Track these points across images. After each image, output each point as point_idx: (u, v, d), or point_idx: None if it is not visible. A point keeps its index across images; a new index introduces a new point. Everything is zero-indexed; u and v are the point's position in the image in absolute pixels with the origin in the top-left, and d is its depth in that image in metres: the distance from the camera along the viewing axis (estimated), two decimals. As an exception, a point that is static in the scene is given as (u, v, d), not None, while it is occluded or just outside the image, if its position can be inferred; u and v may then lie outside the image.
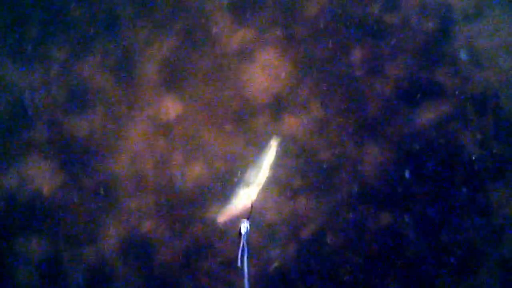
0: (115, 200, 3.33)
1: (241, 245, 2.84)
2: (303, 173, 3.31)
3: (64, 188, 3.37)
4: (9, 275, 3.34)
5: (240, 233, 2.93)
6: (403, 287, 3.22)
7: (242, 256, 2.84)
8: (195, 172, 3.34)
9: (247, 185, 3.24)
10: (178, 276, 3.28)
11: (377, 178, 3.28)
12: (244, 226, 2.96)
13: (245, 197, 3.23)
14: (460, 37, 3.33)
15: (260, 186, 3.25)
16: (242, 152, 3.34)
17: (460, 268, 3.17)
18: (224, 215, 3.23)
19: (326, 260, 3.26)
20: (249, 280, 2.77)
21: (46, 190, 3.38)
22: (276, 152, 3.29)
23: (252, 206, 3.18)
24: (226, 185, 3.29)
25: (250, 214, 3.14)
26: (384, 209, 3.27)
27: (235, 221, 3.13)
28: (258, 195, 3.23)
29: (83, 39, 3.44)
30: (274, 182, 3.29)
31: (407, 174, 3.27)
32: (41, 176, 3.38)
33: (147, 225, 3.31)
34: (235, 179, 3.28)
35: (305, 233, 3.26)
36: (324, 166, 3.30)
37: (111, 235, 3.31)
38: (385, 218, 3.24)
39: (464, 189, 3.24)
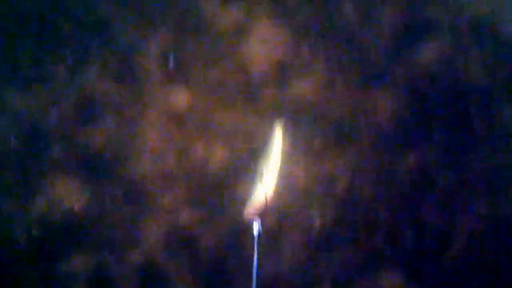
0: (147, 201, 3.37)
1: (254, 246, 2.72)
2: (321, 133, 3.39)
3: (94, 201, 3.38)
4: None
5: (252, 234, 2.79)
6: (440, 219, 3.36)
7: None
8: (217, 154, 3.38)
9: (261, 178, 3.23)
10: (225, 260, 3.36)
11: (393, 123, 3.38)
12: (256, 226, 2.81)
13: (261, 190, 3.20)
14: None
15: (275, 177, 3.25)
16: (257, 128, 3.38)
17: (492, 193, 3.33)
18: (250, 209, 3.22)
19: (360, 213, 3.37)
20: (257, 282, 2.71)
21: (77, 207, 3.38)
22: (283, 138, 3.30)
23: (266, 202, 2.99)
24: (248, 167, 3.34)
25: (263, 212, 2.95)
26: (405, 150, 3.38)
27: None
28: (273, 187, 3.24)
29: (79, 51, 3.39)
30: (295, 148, 3.36)
31: (421, 113, 3.38)
32: (69, 194, 3.38)
33: (184, 218, 3.36)
34: (250, 173, 3.30)
35: (338, 190, 3.36)
36: (339, 122, 3.38)
37: (152, 236, 3.35)
38: (411, 158, 3.36)
39: (477, 116, 3.37)
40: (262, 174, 3.27)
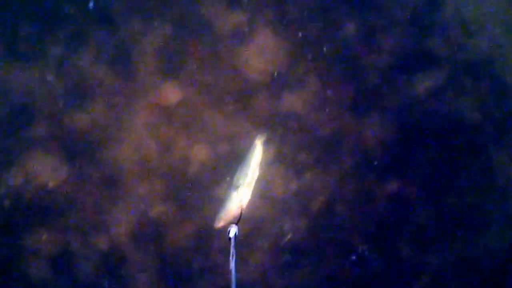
0: (123, 188, 3.36)
1: (231, 250, 2.78)
2: (306, 148, 3.39)
3: (69, 181, 3.37)
4: (22, 272, 3.34)
5: (229, 238, 2.87)
6: (412, 252, 3.35)
7: (231, 261, 2.77)
8: (200, 154, 3.38)
9: (237, 187, 3.26)
10: (190, 258, 3.34)
11: (379, 146, 3.38)
12: (233, 231, 2.91)
13: (236, 200, 3.23)
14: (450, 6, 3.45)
15: (251, 188, 3.27)
16: (244, 132, 3.39)
17: (466, 229, 3.33)
18: (220, 220, 3.23)
19: (336, 230, 3.36)
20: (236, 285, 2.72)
21: (51, 184, 3.37)
22: (263, 151, 3.33)
23: (241, 211, 3.18)
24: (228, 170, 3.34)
25: (239, 219, 3.13)
26: (388, 178, 3.38)
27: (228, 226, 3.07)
28: (249, 197, 3.26)
29: (77, 33, 3.42)
30: (279, 159, 3.37)
31: (408, 142, 3.39)
32: (45, 171, 3.37)
33: (156, 210, 3.35)
34: (227, 182, 3.31)
35: (314, 206, 3.35)
36: (326, 139, 3.39)
37: (121, 223, 3.34)
38: (390, 186, 3.36)
39: (466, 153, 3.38)
40: (239, 183, 3.32)
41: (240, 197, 3.23)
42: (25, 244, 3.33)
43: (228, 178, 3.32)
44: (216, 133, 3.39)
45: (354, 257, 3.37)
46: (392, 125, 3.40)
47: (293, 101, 3.41)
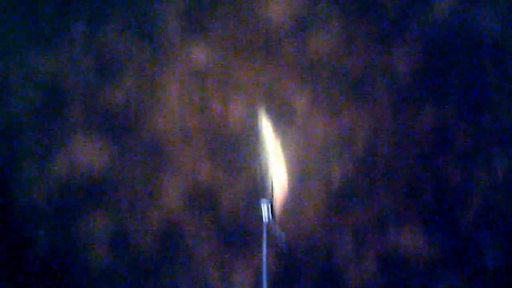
0: (168, 157, 3.38)
1: (264, 230, 2.70)
2: (340, 89, 3.41)
3: (114, 160, 3.40)
4: (79, 259, 3.37)
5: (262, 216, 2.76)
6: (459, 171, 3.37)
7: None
8: (237, 112, 3.40)
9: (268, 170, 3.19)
10: (245, 216, 3.36)
11: (411, 80, 3.40)
12: (265, 207, 2.80)
13: (274, 179, 3.02)
14: None
15: (275, 157, 3.12)
16: (275, 83, 3.40)
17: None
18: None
19: (379, 170, 3.38)
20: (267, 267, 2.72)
21: (97, 166, 3.40)
22: (269, 119, 3.29)
23: (272, 183, 2.94)
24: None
25: (272, 192, 2.92)
26: (423, 106, 3.40)
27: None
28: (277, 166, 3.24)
29: (99, 8, 3.42)
30: (314, 105, 3.39)
31: (439, 68, 3.40)
32: (89, 154, 3.40)
33: (204, 173, 3.37)
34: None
35: (356, 147, 3.37)
36: (358, 78, 3.40)
37: (173, 192, 3.36)
38: (429, 115, 3.37)
39: (494, 70, 3.39)
40: (268, 165, 3.27)
41: (275, 175, 3.17)
42: (80, 231, 3.37)
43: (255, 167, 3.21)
44: (249, 87, 3.40)
45: (403, 190, 3.38)
46: (421, 53, 3.41)
47: (319, 44, 3.42)
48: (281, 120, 3.36)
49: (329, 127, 3.38)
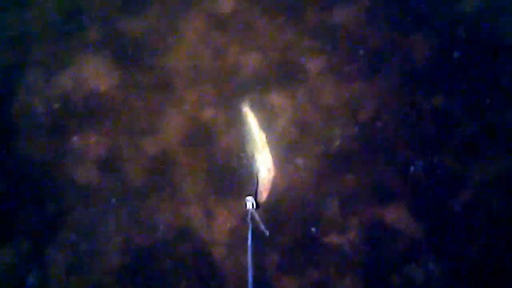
0: (174, 93, 3.41)
1: (248, 224, 2.81)
2: (355, 60, 3.46)
3: (121, 86, 3.43)
4: (68, 173, 3.36)
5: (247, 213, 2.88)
6: (455, 160, 3.37)
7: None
8: (251, 61, 3.44)
9: (254, 157, 3.27)
10: (238, 162, 3.37)
11: (427, 60, 3.44)
12: (249, 204, 2.96)
13: (262, 168, 3.24)
14: None
15: (267, 150, 3.30)
16: (294, 41, 3.45)
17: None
18: (261, 194, 3.21)
19: (379, 142, 3.39)
20: (252, 262, 2.77)
21: (102, 88, 3.43)
22: (253, 112, 3.35)
23: (257, 180, 3.17)
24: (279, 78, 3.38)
25: (255, 189, 3.13)
26: (433, 92, 3.43)
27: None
28: (270, 160, 3.29)
29: None
30: (328, 68, 3.43)
31: (455, 54, 3.45)
32: (97, 75, 3.43)
33: (206, 114, 3.39)
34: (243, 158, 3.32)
35: (362, 115, 3.39)
36: (374, 53, 3.46)
37: (172, 126, 3.38)
38: (437, 100, 3.40)
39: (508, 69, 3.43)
40: (253, 152, 3.20)
41: (263, 164, 3.23)
42: (74, 146, 3.38)
43: (241, 154, 3.32)
44: (268, 41, 3.45)
45: (399, 167, 3.37)
46: (437, 42, 3.47)
47: (344, 12, 3.49)
48: (292, 79, 3.40)
49: (338, 93, 3.41)
